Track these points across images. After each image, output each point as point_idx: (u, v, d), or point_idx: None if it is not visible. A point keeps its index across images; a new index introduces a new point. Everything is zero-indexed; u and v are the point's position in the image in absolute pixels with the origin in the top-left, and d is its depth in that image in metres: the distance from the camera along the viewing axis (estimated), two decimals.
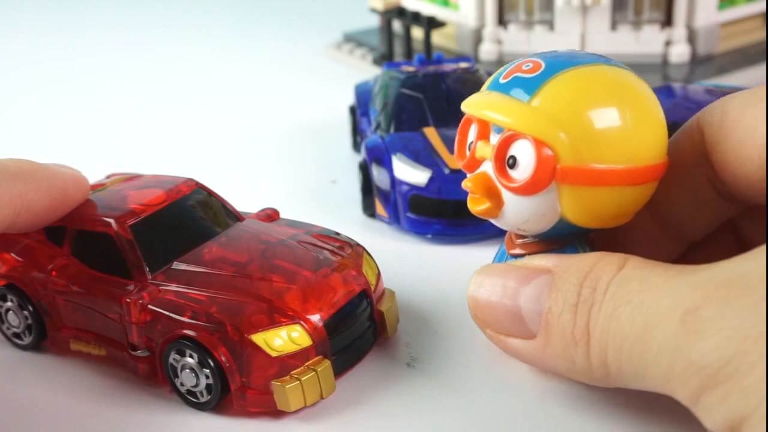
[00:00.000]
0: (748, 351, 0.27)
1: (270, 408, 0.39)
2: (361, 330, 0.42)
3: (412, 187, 0.55)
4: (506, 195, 0.36)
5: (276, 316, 0.39)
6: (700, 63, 0.81)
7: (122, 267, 0.42)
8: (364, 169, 0.58)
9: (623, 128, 0.34)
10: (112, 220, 0.42)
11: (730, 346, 0.27)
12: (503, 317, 0.36)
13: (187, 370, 0.39)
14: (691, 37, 0.81)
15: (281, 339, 0.38)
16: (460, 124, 0.38)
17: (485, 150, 0.36)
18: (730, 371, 0.27)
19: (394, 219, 0.56)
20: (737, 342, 0.27)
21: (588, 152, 0.34)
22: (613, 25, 0.81)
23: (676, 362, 0.29)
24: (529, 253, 0.37)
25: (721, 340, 0.27)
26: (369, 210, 0.58)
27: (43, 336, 0.44)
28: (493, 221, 0.38)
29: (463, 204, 0.53)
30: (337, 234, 0.46)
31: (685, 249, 0.40)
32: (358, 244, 0.45)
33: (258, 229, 0.45)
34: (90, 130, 0.79)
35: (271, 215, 0.48)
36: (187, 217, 0.44)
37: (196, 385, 0.39)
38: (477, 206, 0.37)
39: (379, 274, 0.44)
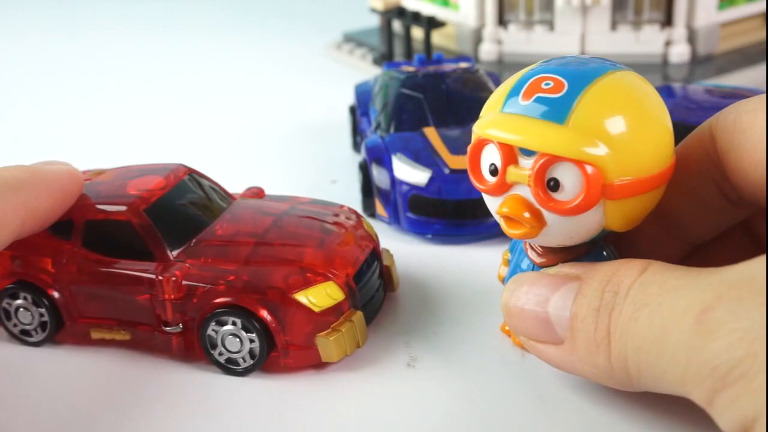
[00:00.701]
0: (758, 352, 0.27)
1: (312, 362, 0.42)
2: (376, 285, 0.46)
3: (412, 187, 0.55)
4: (549, 216, 0.35)
5: (309, 275, 0.42)
6: (700, 63, 0.81)
7: (143, 250, 0.43)
8: (364, 169, 0.58)
9: (652, 134, 0.35)
10: (125, 208, 0.43)
11: (741, 347, 0.27)
12: (533, 324, 0.36)
13: (230, 337, 0.41)
14: (691, 37, 0.81)
15: (319, 296, 0.41)
16: (472, 148, 0.37)
17: (518, 174, 0.35)
18: (741, 373, 0.27)
19: (394, 219, 0.56)
20: (748, 343, 0.27)
21: (631, 165, 0.34)
22: (613, 25, 0.81)
23: (691, 363, 0.29)
24: (557, 262, 0.37)
25: (733, 341, 0.27)
26: (369, 210, 0.58)
27: (55, 330, 0.45)
28: (529, 240, 0.37)
29: (463, 204, 0.54)
30: (328, 202, 0.48)
31: (689, 251, 0.40)
32: (351, 208, 0.48)
33: (257, 204, 0.47)
34: (92, 130, 0.79)
35: (257, 193, 0.50)
36: (190, 199, 0.46)
37: (239, 351, 0.41)
38: (516, 230, 0.36)
39: (376, 234, 0.47)
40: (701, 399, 0.29)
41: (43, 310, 0.45)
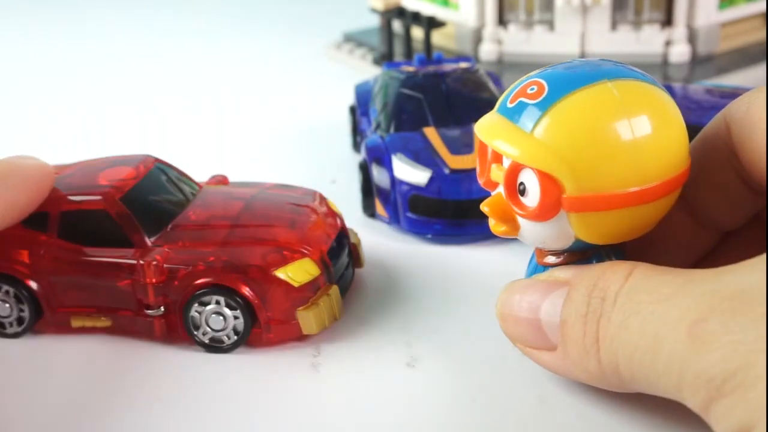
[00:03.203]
0: (753, 364, 0.27)
1: (293, 336, 0.43)
2: (346, 262, 0.48)
3: (412, 187, 0.55)
4: (520, 219, 0.36)
5: (286, 253, 0.43)
6: (700, 63, 0.81)
7: (120, 238, 0.44)
8: (364, 169, 0.58)
9: (630, 152, 0.33)
10: (101, 197, 0.44)
11: (735, 359, 0.27)
12: (527, 331, 0.37)
13: (214, 316, 0.43)
14: (692, 37, 0.81)
15: (298, 271, 0.43)
16: (479, 143, 0.38)
17: (498, 174, 0.36)
18: (736, 384, 0.27)
19: (394, 219, 0.56)
20: (742, 355, 0.27)
21: (592, 181, 0.33)
22: (613, 25, 0.81)
23: (685, 373, 0.29)
24: (560, 264, 0.37)
25: (727, 353, 0.28)
26: (369, 210, 0.58)
27: (34, 321, 0.46)
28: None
29: (463, 204, 0.54)
30: (292, 186, 0.51)
31: (719, 239, 0.40)
32: (314, 190, 0.50)
33: (226, 191, 0.49)
34: (93, 129, 0.79)
35: (221, 180, 0.52)
36: (161, 188, 0.47)
37: (224, 329, 0.43)
38: (497, 229, 0.37)
39: (341, 214, 0.50)
40: (697, 406, 0.29)
41: (22, 304, 0.45)
